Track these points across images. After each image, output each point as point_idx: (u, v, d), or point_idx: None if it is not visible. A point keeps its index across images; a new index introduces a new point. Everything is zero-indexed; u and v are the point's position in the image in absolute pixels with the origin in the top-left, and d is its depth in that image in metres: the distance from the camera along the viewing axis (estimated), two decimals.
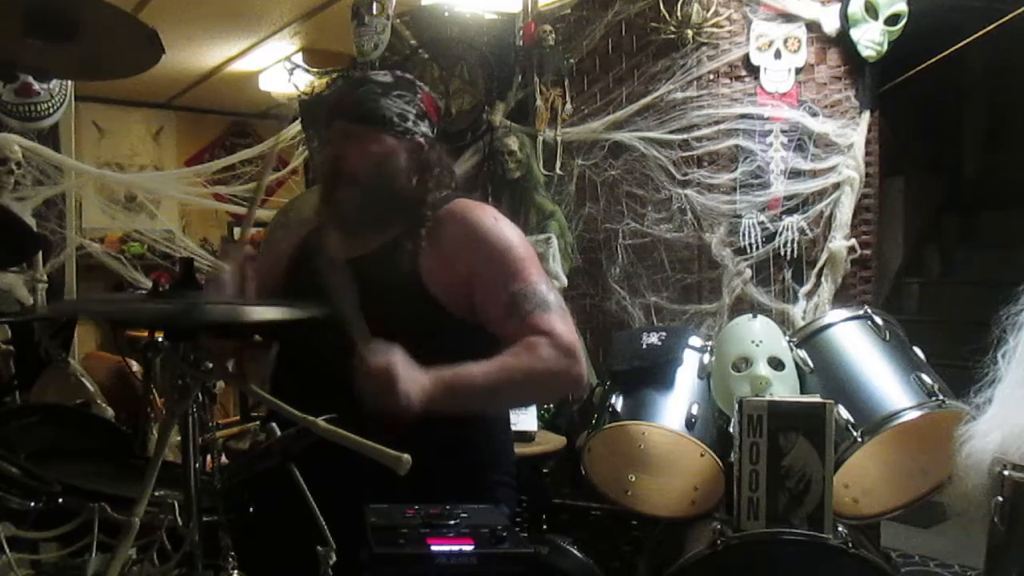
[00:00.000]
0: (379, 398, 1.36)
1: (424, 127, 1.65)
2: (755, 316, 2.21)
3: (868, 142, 2.78)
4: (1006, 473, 1.57)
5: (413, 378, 1.39)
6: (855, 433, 1.91)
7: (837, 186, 2.75)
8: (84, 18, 1.33)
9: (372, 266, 1.59)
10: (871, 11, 2.71)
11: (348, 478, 1.31)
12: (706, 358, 2.21)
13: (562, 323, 1.55)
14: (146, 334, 1.24)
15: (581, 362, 1.55)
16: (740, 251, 2.80)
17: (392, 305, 1.53)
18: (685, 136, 2.84)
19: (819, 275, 2.77)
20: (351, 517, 1.21)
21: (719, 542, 1.81)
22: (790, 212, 2.78)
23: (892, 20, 2.72)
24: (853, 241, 2.75)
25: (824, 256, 2.76)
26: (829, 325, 2.17)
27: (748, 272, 2.78)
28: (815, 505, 1.81)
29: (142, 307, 1.26)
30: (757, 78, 2.81)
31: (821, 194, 2.77)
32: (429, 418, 1.42)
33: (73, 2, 1.32)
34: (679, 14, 2.84)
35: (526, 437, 2.50)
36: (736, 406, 1.89)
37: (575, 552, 2.16)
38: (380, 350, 1.38)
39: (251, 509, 1.40)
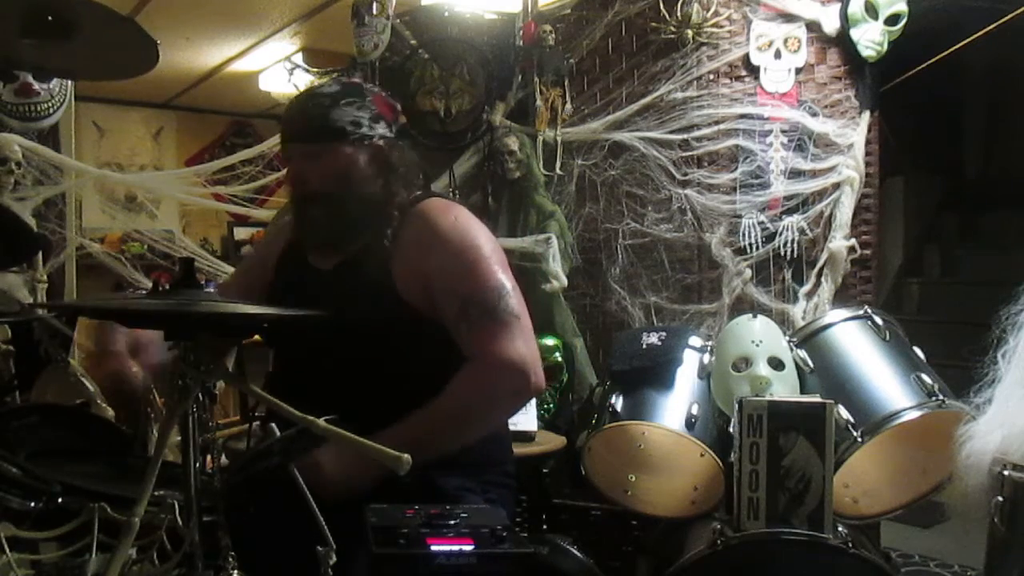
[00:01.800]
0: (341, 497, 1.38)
1: (381, 129, 1.62)
2: (755, 316, 2.21)
3: (868, 142, 2.78)
4: (1006, 473, 1.57)
5: (346, 475, 1.43)
6: (855, 433, 1.91)
7: (837, 186, 2.75)
8: (80, 19, 1.33)
9: (348, 273, 1.61)
10: (871, 11, 2.71)
11: None
12: (706, 358, 2.21)
13: (508, 334, 1.52)
14: None
15: (528, 371, 1.52)
16: (740, 251, 2.79)
17: (368, 310, 1.54)
18: (685, 136, 2.84)
19: (819, 275, 2.77)
20: (351, 517, 1.21)
21: (719, 542, 1.81)
22: (790, 212, 2.77)
23: (892, 20, 2.72)
24: (853, 241, 2.75)
25: (824, 256, 2.76)
26: (829, 325, 2.17)
27: (748, 272, 2.78)
28: (815, 505, 1.81)
29: (142, 306, 1.26)
30: (757, 78, 2.81)
31: (821, 194, 2.76)
32: None
33: (69, 4, 1.32)
34: (679, 14, 2.84)
35: (526, 437, 2.50)
36: (736, 406, 1.89)
37: (575, 552, 2.16)
38: (309, 473, 1.35)
39: (251, 509, 1.40)
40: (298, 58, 4.73)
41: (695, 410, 2.08)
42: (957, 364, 1.86)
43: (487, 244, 1.61)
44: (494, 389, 1.53)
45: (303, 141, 1.61)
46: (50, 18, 1.32)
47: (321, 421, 1.16)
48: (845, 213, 2.73)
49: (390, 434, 1.42)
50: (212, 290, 1.52)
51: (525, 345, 1.54)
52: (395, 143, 1.65)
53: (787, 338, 2.17)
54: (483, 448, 1.67)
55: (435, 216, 1.62)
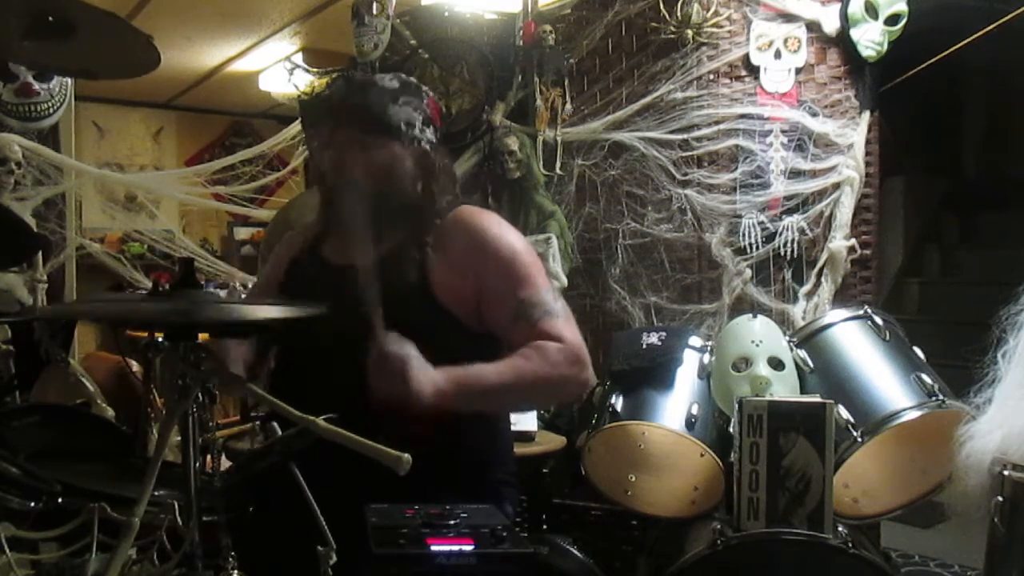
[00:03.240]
0: (391, 387, 1.36)
1: (429, 133, 1.63)
2: (755, 316, 2.21)
3: (868, 142, 2.78)
4: (1006, 473, 1.57)
5: (426, 372, 1.40)
6: (855, 433, 1.91)
7: (837, 186, 2.75)
8: (80, 20, 1.34)
9: (379, 273, 1.59)
10: (871, 11, 2.71)
11: (348, 478, 1.31)
12: (706, 358, 2.21)
13: (569, 329, 1.56)
14: (146, 334, 1.23)
15: (588, 368, 1.56)
16: (740, 251, 2.80)
17: (401, 312, 1.53)
18: (685, 136, 2.85)
19: (819, 275, 2.77)
20: (351, 517, 1.21)
21: (719, 542, 1.81)
22: (790, 212, 2.78)
23: (892, 20, 2.72)
24: (853, 241, 2.75)
25: (824, 256, 2.76)
26: (829, 325, 2.17)
27: (748, 272, 2.78)
28: (815, 505, 1.81)
29: (142, 307, 1.26)
30: (757, 78, 2.81)
31: (821, 194, 2.77)
32: (431, 417, 1.42)
33: (69, 5, 1.32)
34: (679, 14, 2.84)
35: (526, 437, 2.50)
36: (736, 406, 1.89)
37: (575, 552, 2.16)
38: (395, 340, 1.39)
39: (251, 509, 1.40)
40: (298, 58, 4.73)
41: (695, 410, 2.08)
42: (957, 364, 1.86)
43: (530, 249, 1.64)
44: (566, 368, 1.53)
45: (355, 130, 1.59)
46: (51, 19, 1.32)
47: (321, 421, 1.16)
48: (845, 213, 2.74)
49: (482, 369, 1.46)
50: (212, 290, 1.52)
51: (582, 343, 1.59)
52: (438, 148, 1.66)
53: (787, 338, 2.17)
54: (492, 446, 1.68)
55: (480, 223, 1.62)
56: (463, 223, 1.62)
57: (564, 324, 1.56)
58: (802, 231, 2.77)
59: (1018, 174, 4.86)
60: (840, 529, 1.88)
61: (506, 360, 1.52)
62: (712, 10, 2.83)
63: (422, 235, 1.60)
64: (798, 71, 2.80)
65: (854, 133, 2.76)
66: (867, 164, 2.78)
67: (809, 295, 2.77)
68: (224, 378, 1.23)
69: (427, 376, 1.40)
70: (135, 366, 2.89)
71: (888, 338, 2.09)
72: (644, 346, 2.27)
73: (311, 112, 3.59)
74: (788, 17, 2.79)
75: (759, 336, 2.11)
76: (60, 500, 1.25)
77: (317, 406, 1.21)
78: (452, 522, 1.20)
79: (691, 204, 2.82)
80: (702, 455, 2.08)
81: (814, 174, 2.77)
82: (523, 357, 1.52)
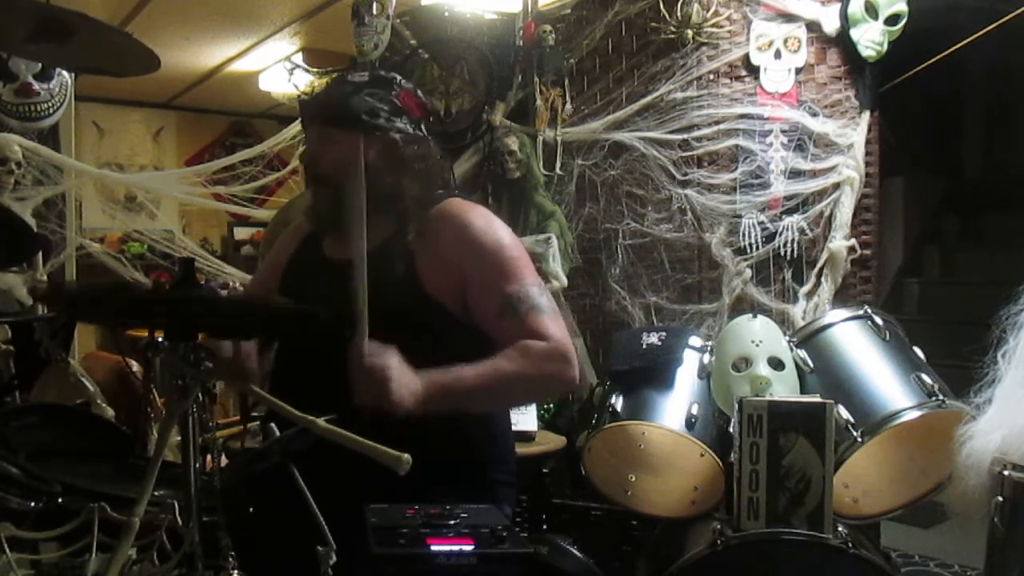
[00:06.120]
0: (371, 396, 1.37)
1: (401, 123, 1.63)
2: (755, 316, 2.21)
3: (868, 142, 2.78)
4: (1006, 473, 1.58)
5: (406, 380, 1.40)
6: (855, 433, 1.91)
7: (837, 186, 2.75)
8: (80, 26, 1.34)
9: (368, 267, 1.59)
10: (871, 11, 2.71)
11: (348, 478, 1.31)
12: (706, 358, 2.21)
13: (554, 325, 1.56)
14: (146, 334, 1.23)
15: (574, 364, 1.56)
16: (740, 251, 2.79)
17: (391, 306, 1.53)
18: (685, 136, 2.84)
19: (819, 275, 2.77)
20: (351, 517, 1.21)
21: (719, 542, 1.81)
22: (790, 212, 2.78)
23: (892, 20, 2.72)
24: (853, 241, 2.75)
25: (824, 256, 2.76)
26: (829, 325, 2.17)
27: (748, 272, 2.78)
28: (815, 505, 1.81)
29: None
30: (757, 78, 2.81)
31: (821, 194, 2.76)
32: (429, 418, 1.42)
33: (69, 13, 1.33)
34: (679, 14, 2.84)
35: (526, 437, 2.50)
36: (736, 406, 1.89)
37: (575, 552, 2.16)
38: (376, 350, 1.39)
39: (251, 509, 1.40)
40: (298, 58, 4.73)
41: (695, 410, 2.08)
42: (957, 364, 1.86)
43: (518, 244, 1.64)
44: (550, 366, 1.54)
45: (318, 122, 1.64)
46: (53, 23, 1.33)
47: (321, 421, 1.16)
48: (845, 213, 2.74)
49: (462, 373, 1.46)
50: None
51: (567, 338, 1.58)
52: (415, 139, 1.65)
53: (787, 338, 2.17)
54: (492, 446, 1.68)
55: (467, 216, 1.62)
56: (450, 216, 1.63)
57: (550, 320, 1.56)
58: (802, 231, 2.77)
59: (1018, 174, 4.87)
60: (840, 529, 1.88)
61: (488, 361, 1.51)
62: (712, 10, 2.83)
63: (405, 226, 1.60)
64: (798, 71, 2.79)
65: (854, 133, 2.76)
66: (867, 164, 2.78)
67: (809, 295, 2.77)
68: (224, 378, 1.23)
69: (407, 385, 1.40)
70: (135, 366, 2.88)
71: (888, 338, 2.09)
72: (644, 346, 2.27)
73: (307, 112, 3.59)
74: (788, 17, 2.79)
75: (759, 336, 2.11)
76: (60, 500, 1.25)
77: (317, 405, 1.21)
78: (452, 522, 1.20)
79: (691, 204, 2.82)
80: (702, 455, 2.08)
81: (814, 174, 2.77)
82: (505, 358, 1.52)
